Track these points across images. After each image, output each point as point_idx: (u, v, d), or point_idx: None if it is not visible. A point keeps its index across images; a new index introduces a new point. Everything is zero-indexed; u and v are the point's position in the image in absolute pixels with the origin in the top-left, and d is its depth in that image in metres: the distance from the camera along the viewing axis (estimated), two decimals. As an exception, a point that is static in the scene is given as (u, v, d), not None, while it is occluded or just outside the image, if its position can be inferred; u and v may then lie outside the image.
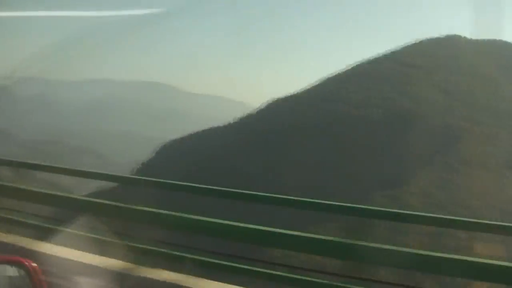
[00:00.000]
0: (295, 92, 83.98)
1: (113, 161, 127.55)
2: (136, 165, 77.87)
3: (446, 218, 4.78)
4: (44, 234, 5.58)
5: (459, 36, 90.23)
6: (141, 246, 5.28)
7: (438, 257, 4.03)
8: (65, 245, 5.36)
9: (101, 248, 5.22)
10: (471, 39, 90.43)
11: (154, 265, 5.07)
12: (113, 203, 5.71)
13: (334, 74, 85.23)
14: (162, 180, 8.00)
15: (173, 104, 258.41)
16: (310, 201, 5.12)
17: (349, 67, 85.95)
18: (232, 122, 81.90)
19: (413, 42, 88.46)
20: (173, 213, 5.12)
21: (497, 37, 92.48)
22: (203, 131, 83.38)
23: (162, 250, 5.18)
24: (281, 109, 77.07)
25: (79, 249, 5.29)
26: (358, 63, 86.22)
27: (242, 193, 6.15)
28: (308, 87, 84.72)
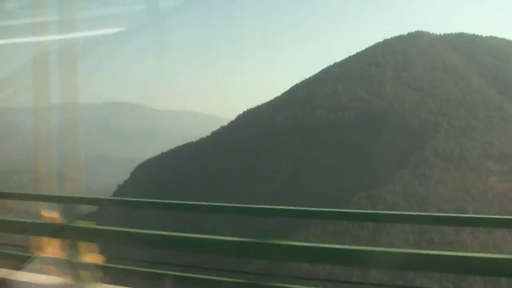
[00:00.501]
0: (266, 102, 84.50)
1: (88, 186, 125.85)
2: (112, 188, 76.86)
3: (433, 216, 4.54)
4: (17, 263, 5.34)
5: (423, 32, 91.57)
6: (118, 266, 5.08)
7: (429, 255, 3.89)
8: (40, 272, 5.14)
9: (77, 272, 5.01)
10: (435, 34, 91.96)
11: (132, 285, 4.88)
12: (88, 225, 5.51)
13: (302, 80, 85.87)
14: (136, 199, 7.75)
15: (145, 123, 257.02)
16: (292, 209, 4.95)
17: (317, 72, 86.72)
18: (205, 136, 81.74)
19: (378, 41, 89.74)
20: (151, 231, 4.93)
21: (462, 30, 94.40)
22: (177, 148, 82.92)
23: (140, 269, 4.98)
24: (253, 119, 77.19)
25: (55, 275, 5.08)
26: (325, 67, 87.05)
27: (223, 206, 5.99)
28: (278, 95, 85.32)
